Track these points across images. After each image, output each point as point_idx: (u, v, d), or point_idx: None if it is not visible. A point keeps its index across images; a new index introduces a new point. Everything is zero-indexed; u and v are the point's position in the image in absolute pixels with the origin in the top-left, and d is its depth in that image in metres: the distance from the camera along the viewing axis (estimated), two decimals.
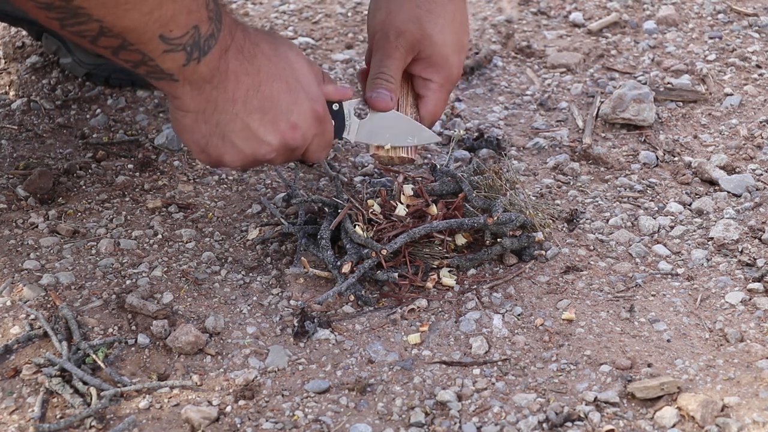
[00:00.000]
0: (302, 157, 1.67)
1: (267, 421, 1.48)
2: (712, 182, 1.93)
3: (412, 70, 1.75)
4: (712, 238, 1.80)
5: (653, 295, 1.69)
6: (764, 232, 1.80)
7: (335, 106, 1.68)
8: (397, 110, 1.73)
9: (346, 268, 1.66)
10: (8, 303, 1.68)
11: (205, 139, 1.59)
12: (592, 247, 1.79)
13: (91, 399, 1.50)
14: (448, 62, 1.74)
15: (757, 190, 1.90)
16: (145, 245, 1.81)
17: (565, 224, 1.84)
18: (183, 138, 1.61)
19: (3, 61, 2.35)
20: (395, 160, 1.75)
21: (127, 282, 1.73)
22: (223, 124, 1.57)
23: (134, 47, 1.45)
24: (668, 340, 1.60)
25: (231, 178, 1.97)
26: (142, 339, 1.61)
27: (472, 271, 1.74)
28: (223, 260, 1.78)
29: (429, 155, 2.00)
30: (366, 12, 2.48)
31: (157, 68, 1.49)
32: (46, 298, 1.69)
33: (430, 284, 1.69)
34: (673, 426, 1.45)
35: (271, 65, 1.57)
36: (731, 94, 2.17)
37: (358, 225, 1.71)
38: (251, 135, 1.58)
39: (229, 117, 1.57)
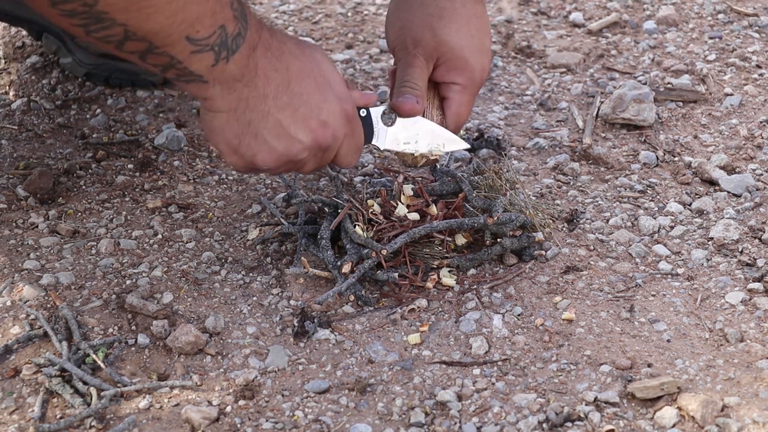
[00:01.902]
0: (334, 161, 1.66)
1: (267, 421, 1.48)
2: (712, 182, 1.93)
3: (436, 77, 1.75)
4: (712, 238, 1.80)
5: (653, 295, 1.69)
6: (764, 232, 1.80)
7: (362, 112, 1.68)
8: (423, 116, 1.73)
9: (346, 268, 1.66)
10: (8, 303, 1.68)
11: (238, 138, 1.57)
12: (592, 247, 1.79)
13: (91, 399, 1.50)
14: (469, 64, 1.73)
15: (757, 190, 1.90)
16: (145, 245, 1.81)
17: (565, 224, 1.84)
18: (214, 140, 1.60)
19: (3, 61, 2.35)
20: (419, 159, 1.75)
21: (127, 282, 1.73)
22: (255, 122, 1.56)
23: (161, 50, 1.44)
24: (668, 340, 1.60)
25: (231, 178, 1.97)
26: (142, 339, 1.61)
27: (472, 271, 1.74)
28: (223, 260, 1.77)
29: None
30: (366, 12, 2.49)
31: (185, 70, 1.48)
32: (46, 298, 1.69)
33: (430, 284, 1.69)
34: (673, 426, 1.45)
35: (299, 63, 1.57)
36: (731, 94, 2.17)
37: (358, 225, 1.71)
38: (283, 132, 1.57)
39: (261, 114, 1.56)
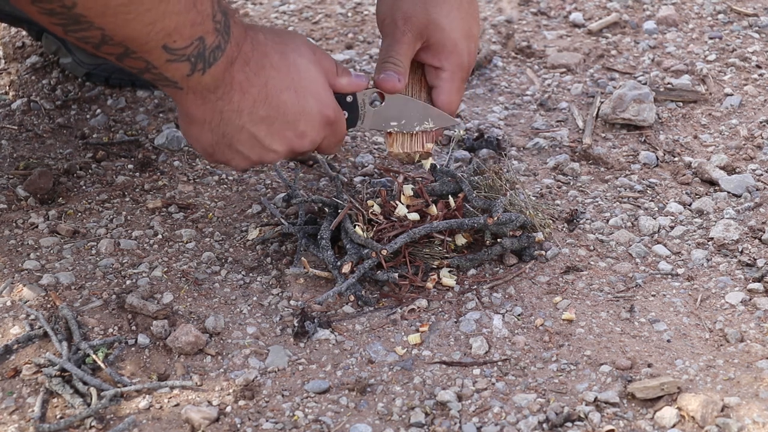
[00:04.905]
0: (316, 150, 1.68)
1: (267, 421, 1.48)
2: (712, 182, 1.93)
3: (423, 58, 1.73)
4: (712, 239, 1.80)
5: (653, 296, 1.69)
6: (764, 232, 1.80)
7: (349, 98, 1.68)
8: (411, 96, 1.72)
9: (346, 269, 1.66)
10: (8, 303, 1.68)
11: (212, 147, 1.61)
12: (592, 247, 1.79)
13: (91, 399, 1.50)
14: (458, 48, 1.72)
15: (757, 190, 1.90)
16: (145, 245, 1.81)
17: (565, 224, 1.84)
18: (190, 142, 1.63)
19: (3, 61, 2.35)
20: (413, 156, 1.74)
21: (127, 282, 1.73)
22: (229, 135, 1.58)
23: (137, 55, 1.45)
24: (668, 341, 1.60)
25: (231, 178, 1.97)
26: (142, 339, 1.61)
27: (472, 271, 1.74)
28: (223, 260, 1.77)
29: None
30: (366, 12, 2.49)
31: (161, 76, 1.49)
32: (46, 298, 1.69)
33: (430, 284, 1.69)
34: (673, 426, 1.45)
35: (279, 76, 1.57)
36: (731, 95, 2.17)
37: (358, 225, 1.71)
38: (258, 144, 1.60)
39: (235, 128, 1.57)
